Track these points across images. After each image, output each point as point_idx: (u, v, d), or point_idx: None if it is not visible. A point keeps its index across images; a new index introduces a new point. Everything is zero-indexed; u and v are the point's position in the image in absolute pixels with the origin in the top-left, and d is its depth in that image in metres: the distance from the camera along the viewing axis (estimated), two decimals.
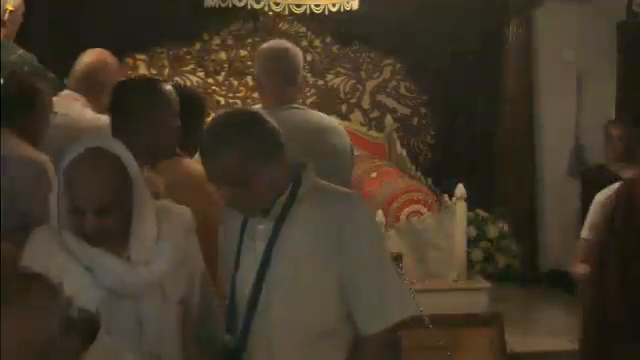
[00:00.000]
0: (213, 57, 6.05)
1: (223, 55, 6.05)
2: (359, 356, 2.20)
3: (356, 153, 5.70)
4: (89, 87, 3.86)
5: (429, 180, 5.34)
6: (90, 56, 4.03)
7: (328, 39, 6.19)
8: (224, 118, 2.21)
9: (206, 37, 6.05)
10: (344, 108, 6.17)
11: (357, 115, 6.20)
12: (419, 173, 5.55)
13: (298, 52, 3.38)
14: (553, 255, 6.15)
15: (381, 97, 6.25)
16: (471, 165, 5.98)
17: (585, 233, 4.03)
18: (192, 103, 3.10)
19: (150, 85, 2.88)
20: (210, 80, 5.99)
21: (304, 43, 6.15)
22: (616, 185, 3.82)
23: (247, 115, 2.22)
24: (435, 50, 6.09)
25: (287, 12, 5.65)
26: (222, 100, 6.01)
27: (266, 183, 2.15)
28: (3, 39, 3.97)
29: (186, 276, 2.36)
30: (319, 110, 4.04)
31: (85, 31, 5.65)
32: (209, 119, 3.20)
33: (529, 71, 6.21)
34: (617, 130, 5.43)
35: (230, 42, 6.06)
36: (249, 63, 5.85)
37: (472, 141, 6.21)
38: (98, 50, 4.08)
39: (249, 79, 5.91)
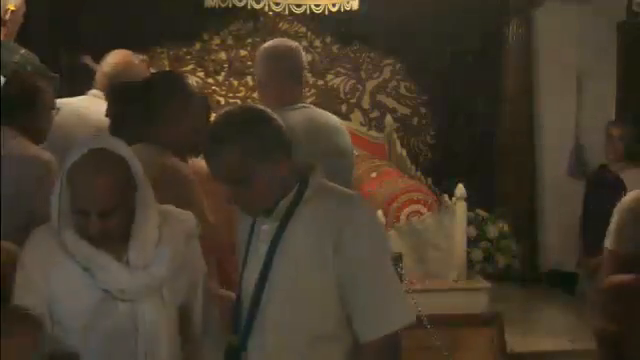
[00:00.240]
0: (213, 57, 6.05)
1: (223, 55, 6.05)
2: None
3: (356, 153, 5.72)
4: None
5: (429, 180, 5.34)
6: (115, 57, 4.08)
7: (328, 39, 6.20)
8: (226, 116, 2.19)
9: (206, 37, 6.05)
10: (344, 108, 6.17)
11: (357, 115, 6.20)
12: (419, 173, 5.56)
13: (301, 50, 3.38)
14: (553, 255, 6.15)
15: (381, 97, 6.26)
16: (471, 165, 5.98)
17: (611, 243, 3.78)
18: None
19: (181, 80, 2.94)
20: (210, 80, 6.00)
21: (304, 43, 6.15)
22: None
23: (249, 113, 2.19)
24: (435, 50, 6.09)
25: (287, 12, 5.64)
26: (222, 100, 6.01)
27: (267, 182, 2.13)
28: (3, 39, 3.97)
29: (186, 281, 2.36)
30: None
31: (85, 31, 5.66)
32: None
33: (529, 71, 6.21)
34: (617, 130, 5.43)
35: (230, 42, 6.06)
36: (249, 63, 5.86)
37: (472, 141, 6.21)
38: (123, 51, 4.13)
39: (249, 79, 5.92)
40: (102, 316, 2.21)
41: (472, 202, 4.70)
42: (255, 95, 5.39)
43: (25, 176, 2.98)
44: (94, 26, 5.64)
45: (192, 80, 5.93)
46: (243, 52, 6.05)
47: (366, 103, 6.24)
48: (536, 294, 5.73)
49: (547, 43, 6.21)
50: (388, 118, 6.11)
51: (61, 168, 2.25)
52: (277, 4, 5.45)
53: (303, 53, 3.40)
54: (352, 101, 6.21)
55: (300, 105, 3.26)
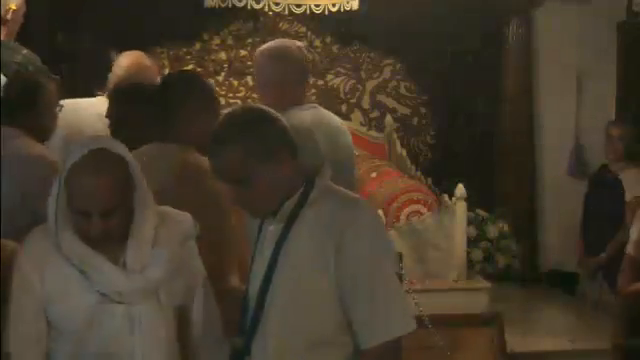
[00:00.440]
0: (213, 57, 6.05)
1: (223, 55, 6.05)
2: None
3: (356, 153, 5.73)
4: None
5: (429, 180, 5.34)
6: (128, 59, 4.10)
7: (328, 39, 6.19)
8: (228, 117, 2.18)
9: (206, 37, 6.05)
10: (344, 108, 6.17)
11: (357, 115, 6.20)
12: (419, 173, 5.55)
13: (304, 49, 3.38)
14: (553, 255, 6.15)
15: (381, 97, 6.26)
16: (471, 165, 5.98)
17: (632, 249, 3.83)
18: None
19: (199, 80, 2.97)
20: (210, 80, 5.98)
21: (304, 43, 6.13)
22: None
23: (252, 113, 2.17)
24: (435, 50, 6.09)
25: (287, 12, 5.64)
26: (222, 100, 6.00)
27: (270, 183, 2.12)
28: (5, 38, 3.97)
29: (183, 283, 2.34)
30: None
31: (85, 31, 5.67)
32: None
33: (529, 71, 6.21)
34: (617, 130, 5.44)
35: (230, 42, 6.06)
36: (249, 63, 5.85)
37: (472, 141, 6.21)
38: (135, 53, 4.16)
39: (249, 79, 5.92)
40: (98, 319, 2.20)
41: (472, 202, 4.70)
42: (255, 95, 5.39)
43: (30, 176, 2.98)
44: (94, 26, 5.64)
45: None
46: (243, 52, 6.05)
47: (366, 103, 6.24)
48: (536, 294, 5.73)
49: (547, 43, 6.21)
50: (388, 118, 6.11)
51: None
52: (277, 4, 5.45)
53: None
54: (352, 101, 6.21)
55: (308, 105, 3.27)
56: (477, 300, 4.42)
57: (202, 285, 2.41)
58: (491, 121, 6.24)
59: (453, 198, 4.54)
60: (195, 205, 2.45)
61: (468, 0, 5.96)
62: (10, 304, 2.22)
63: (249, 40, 6.06)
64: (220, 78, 6.04)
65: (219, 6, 5.41)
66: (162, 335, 2.28)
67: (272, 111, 2.19)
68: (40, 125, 3.23)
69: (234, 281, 2.68)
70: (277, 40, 3.50)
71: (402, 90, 6.28)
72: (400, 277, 3.81)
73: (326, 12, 5.51)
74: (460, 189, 4.51)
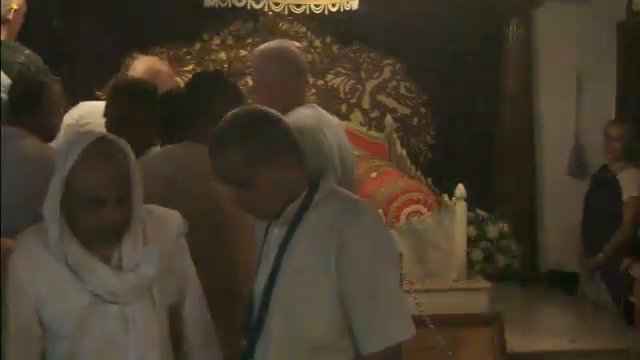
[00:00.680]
0: (213, 57, 6.04)
1: (223, 55, 6.05)
2: None
3: (356, 153, 5.74)
4: None
5: (429, 180, 5.34)
6: (143, 64, 4.19)
7: (328, 39, 6.20)
8: (231, 118, 2.15)
9: (206, 37, 6.05)
10: (344, 108, 6.17)
11: (357, 115, 6.20)
12: (419, 173, 5.55)
13: (302, 50, 3.39)
14: (553, 255, 6.15)
15: (381, 97, 6.25)
16: (471, 165, 5.98)
17: None
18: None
19: (226, 80, 3.01)
20: None
21: (304, 43, 6.14)
22: None
23: (254, 114, 2.15)
24: (435, 50, 6.09)
25: (287, 12, 5.64)
26: None
27: (273, 185, 2.10)
28: (6, 38, 3.97)
29: (175, 282, 2.35)
30: None
31: (85, 31, 5.67)
32: None
33: (529, 71, 6.21)
34: (615, 130, 5.44)
35: (230, 42, 6.06)
36: (249, 63, 5.85)
37: (472, 141, 6.21)
38: (151, 58, 4.29)
39: (249, 79, 5.91)
40: (92, 320, 2.19)
41: (472, 202, 4.70)
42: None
43: (36, 176, 2.97)
44: (94, 26, 5.64)
45: None
46: (243, 52, 6.05)
47: (366, 103, 6.23)
48: (536, 294, 5.73)
49: (547, 43, 6.22)
50: (388, 118, 6.11)
51: (60, 167, 2.22)
52: (277, 4, 5.45)
53: None
54: (352, 101, 6.21)
55: (308, 105, 3.27)
56: (477, 300, 4.42)
57: (192, 282, 2.41)
58: (491, 121, 6.24)
59: (453, 198, 4.54)
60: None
61: (468, 0, 5.96)
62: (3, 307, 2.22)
63: (249, 40, 6.06)
64: None
65: (219, 6, 5.41)
66: (156, 334, 2.28)
67: (275, 112, 2.17)
68: (45, 125, 3.23)
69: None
70: (275, 41, 3.50)
71: (402, 90, 6.28)
72: (400, 277, 3.83)
73: (326, 12, 5.51)
74: (460, 189, 4.51)
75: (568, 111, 6.20)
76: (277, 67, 3.24)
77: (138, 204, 2.23)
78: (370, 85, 6.23)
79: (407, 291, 3.86)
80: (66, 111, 3.68)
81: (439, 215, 4.61)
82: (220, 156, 2.11)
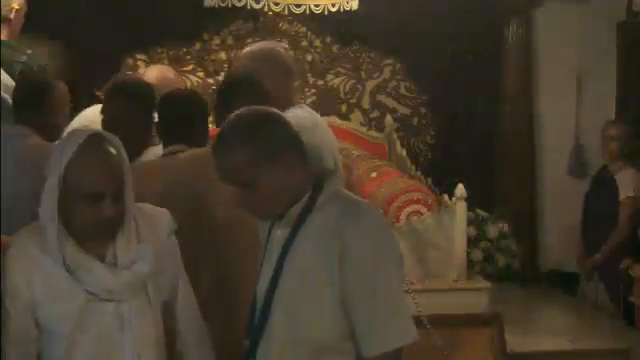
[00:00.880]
0: (213, 57, 6.04)
1: (223, 55, 6.05)
2: None
3: (356, 153, 5.76)
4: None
5: (429, 180, 5.34)
6: (154, 72, 4.28)
7: (328, 39, 6.19)
8: (234, 118, 2.15)
9: (206, 37, 6.05)
10: (344, 108, 6.17)
11: (357, 115, 6.20)
12: (419, 173, 5.55)
13: (288, 51, 3.42)
14: (553, 255, 6.15)
15: (381, 97, 6.25)
16: (471, 165, 5.97)
17: None
18: (197, 104, 3.11)
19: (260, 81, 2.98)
20: (210, 80, 5.99)
21: (304, 43, 6.16)
22: None
23: (258, 115, 2.14)
24: (435, 50, 6.08)
25: (287, 12, 5.64)
26: None
27: (276, 186, 2.09)
28: (7, 38, 3.97)
29: (168, 278, 2.36)
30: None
31: (85, 31, 5.66)
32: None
33: (529, 71, 6.21)
34: (612, 130, 5.44)
35: (230, 42, 6.06)
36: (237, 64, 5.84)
37: (472, 141, 6.21)
38: (162, 67, 4.42)
39: None
40: (88, 318, 2.20)
41: (472, 202, 4.70)
42: None
43: (39, 175, 2.97)
44: (94, 26, 5.64)
45: (192, 80, 5.94)
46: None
47: (366, 103, 6.23)
48: (536, 294, 5.73)
49: (547, 43, 6.22)
50: (388, 118, 6.11)
51: (54, 166, 2.22)
52: (277, 4, 5.45)
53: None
54: (352, 101, 6.21)
55: (298, 105, 3.28)
56: (477, 300, 4.42)
57: (182, 278, 2.42)
58: (491, 121, 6.24)
59: (453, 198, 4.54)
60: None
61: (468, 0, 5.96)
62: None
63: (249, 40, 6.02)
64: (220, 78, 6.03)
65: (219, 6, 5.41)
66: (152, 331, 2.29)
67: (279, 113, 2.16)
68: (49, 125, 3.23)
69: None
70: (261, 42, 3.53)
71: (402, 90, 6.28)
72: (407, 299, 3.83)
73: (326, 12, 5.51)
74: (460, 189, 4.51)
75: (568, 111, 6.20)
76: (263, 68, 3.25)
77: (130, 201, 2.24)
78: (370, 85, 6.23)
79: (407, 291, 3.86)
80: (72, 114, 3.69)
81: (439, 215, 4.60)
82: (224, 156, 2.10)
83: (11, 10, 3.98)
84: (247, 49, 3.43)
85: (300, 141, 2.15)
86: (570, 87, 6.16)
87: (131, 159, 2.35)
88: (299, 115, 3.11)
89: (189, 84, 5.88)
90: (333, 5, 5.48)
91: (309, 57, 6.16)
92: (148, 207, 2.38)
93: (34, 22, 4.50)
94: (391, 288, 2.10)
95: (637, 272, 4.83)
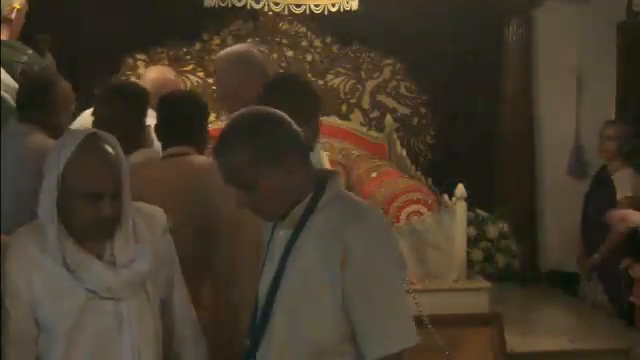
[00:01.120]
0: (213, 57, 6.02)
1: None
2: None
3: (356, 153, 5.77)
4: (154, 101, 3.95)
5: (429, 180, 5.34)
6: (153, 73, 4.38)
7: (328, 39, 6.19)
8: (236, 119, 2.14)
9: (206, 37, 6.05)
10: (344, 108, 6.17)
11: (357, 115, 6.20)
12: (419, 173, 5.55)
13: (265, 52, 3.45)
14: (553, 255, 6.15)
15: (381, 97, 6.25)
16: (471, 165, 5.98)
17: None
18: (196, 105, 3.11)
19: (307, 81, 3.03)
20: (210, 80, 5.99)
21: (304, 43, 6.16)
22: None
23: (260, 116, 2.14)
24: (435, 50, 6.08)
25: (287, 12, 5.64)
26: None
27: (278, 187, 2.08)
28: (9, 38, 3.96)
29: (165, 276, 2.37)
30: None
31: (85, 31, 5.66)
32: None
33: (529, 71, 6.21)
34: (611, 130, 5.44)
35: (230, 42, 6.04)
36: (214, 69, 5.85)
37: (472, 141, 6.21)
38: (162, 67, 4.45)
39: None
40: (88, 317, 2.21)
41: (472, 202, 4.70)
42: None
43: (40, 172, 2.98)
44: (94, 26, 5.64)
45: (192, 80, 5.95)
46: None
47: (366, 103, 6.23)
48: (536, 294, 5.73)
49: (547, 43, 6.22)
50: (388, 118, 6.11)
51: (53, 165, 2.22)
52: (277, 4, 5.45)
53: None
54: (352, 101, 6.21)
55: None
56: (477, 300, 4.42)
57: (177, 276, 2.43)
58: (491, 121, 6.24)
59: (453, 198, 4.54)
60: None
61: (468, 0, 5.96)
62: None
63: (249, 40, 6.05)
64: None
65: (219, 6, 5.41)
66: (151, 328, 2.30)
67: (281, 114, 2.16)
68: (52, 124, 3.23)
69: None
70: (237, 45, 3.55)
71: (402, 90, 6.28)
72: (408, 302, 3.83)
73: (326, 12, 5.51)
74: (460, 189, 4.51)
75: (568, 111, 6.19)
76: (240, 70, 3.28)
77: (128, 200, 2.24)
78: (370, 85, 6.23)
79: (407, 291, 3.86)
80: (74, 114, 3.70)
81: (439, 215, 4.60)
82: (225, 158, 2.09)
83: (12, 10, 3.97)
84: (223, 52, 3.47)
85: (301, 142, 2.14)
86: (570, 87, 6.16)
87: None
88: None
89: (189, 84, 5.88)
90: (333, 5, 5.47)
91: (309, 57, 6.16)
92: (145, 206, 2.39)
93: (34, 22, 4.50)
94: (391, 289, 2.10)
95: (637, 272, 4.83)
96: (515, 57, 6.17)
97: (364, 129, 6.12)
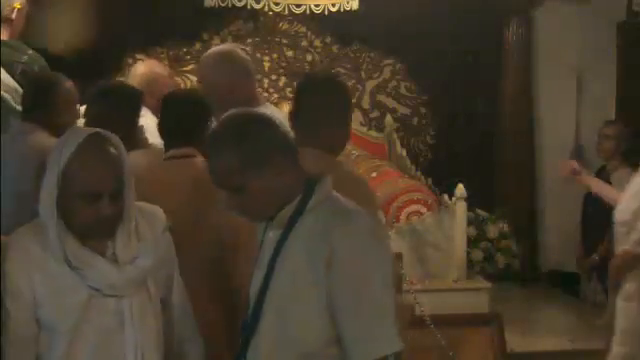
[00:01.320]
0: None
1: None
2: None
3: (356, 153, 5.77)
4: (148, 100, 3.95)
5: (429, 180, 5.34)
6: (142, 67, 4.29)
7: (328, 39, 6.20)
8: (224, 121, 2.14)
9: (206, 37, 6.05)
10: None
11: (357, 115, 6.20)
12: (419, 173, 5.56)
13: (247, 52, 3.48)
14: (553, 255, 6.15)
15: (381, 97, 6.26)
16: (471, 165, 5.98)
17: None
18: (201, 105, 3.11)
19: (340, 81, 2.97)
20: None
21: (304, 43, 6.16)
22: None
23: (247, 118, 2.13)
24: (435, 50, 6.09)
25: (287, 12, 5.64)
26: None
27: (266, 189, 2.08)
28: (9, 37, 3.96)
29: (165, 274, 2.37)
30: None
31: (85, 31, 5.67)
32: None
33: (529, 71, 6.22)
34: (609, 129, 5.44)
35: (230, 42, 6.06)
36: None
37: (472, 141, 6.22)
38: (151, 61, 4.37)
39: None
40: (91, 314, 2.20)
41: (472, 202, 4.71)
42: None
43: (42, 171, 2.98)
44: (94, 26, 5.64)
45: (192, 80, 5.95)
46: None
47: (366, 103, 6.24)
48: (536, 294, 5.74)
49: (547, 43, 6.22)
50: (388, 118, 6.12)
51: (54, 163, 2.22)
52: (277, 4, 5.44)
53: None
54: (352, 101, 6.20)
55: (264, 105, 3.33)
56: (477, 300, 4.43)
57: (176, 275, 2.44)
58: (491, 121, 6.24)
59: (453, 198, 4.55)
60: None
61: (468, 0, 5.96)
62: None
63: (249, 40, 6.06)
64: None
65: (219, 6, 5.41)
66: (153, 325, 2.30)
67: (270, 116, 2.16)
68: (56, 123, 3.23)
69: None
70: (220, 45, 3.56)
71: (402, 90, 6.29)
72: (400, 277, 3.83)
73: (326, 12, 5.51)
74: (460, 189, 4.52)
75: (568, 111, 6.20)
76: (223, 69, 3.30)
77: (130, 200, 2.24)
78: (370, 85, 6.23)
79: (407, 291, 3.87)
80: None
81: (439, 215, 4.61)
82: (214, 161, 2.09)
83: (13, 10, 3.96)
84: (208, 51, 3.49)
85: (291, 143, 2.14)
86: (570, 87, 6.16)
87: None
88: (271, 114, 3.13)
89: (189, 84, 5.88)
90: (333, 5, 5.47)
91: (309, 57, 6.16)
92: (146, 205, 2.38)
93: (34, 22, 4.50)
94: (376, 293, 2.07)
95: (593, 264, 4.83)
96: (515, 57, 6.17)
97: (364, 129, 6.12)
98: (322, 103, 2.65)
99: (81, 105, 3.40)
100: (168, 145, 3.00)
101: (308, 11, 5.53)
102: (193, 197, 2.81)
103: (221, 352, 2.62)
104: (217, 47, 3.51)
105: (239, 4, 5.41)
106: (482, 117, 6.26)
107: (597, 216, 5.39)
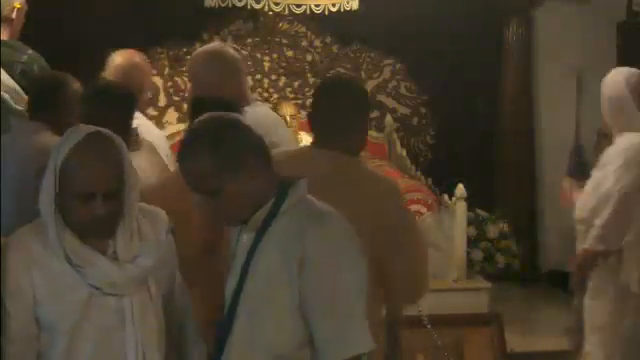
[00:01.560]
0: None
1: None
2: None
3: None
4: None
5: (429, 180, 5.34)
6: (120, 57, 4.13)
7: (328, 39, 6.20)
8: (197, 126, 2.15)
9: (206, 37, 6.05)
10: None
11: None
12: (419, 173, 5.56)
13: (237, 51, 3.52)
14: (553, 255, 6.15)
15: (381, 97, 6.26)
16: (471, 165, 5.98)
17: None
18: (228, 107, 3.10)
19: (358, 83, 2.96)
20: None
21: (304, 43, 6.16)
22: None
23: (220, 122, 2.14)
24: (435, 50, 6.09)
25: (287, 12, 5.65)
26: None
27: (238, 193, 2.09)
28: (9, 37, 3.96)
29: (167, 273, 2.38)
30: None
31: (85, 31, 5.66)
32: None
33: (529, 71, 6.22)
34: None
35: (230, 42, 6.06)
36: (249, 63, 5.86)
37: (472, 141, 6.21)
38: (128, 51, 4.19)
39: (249, 79, 5.91)
40: (91, 313, 2.20)
41: (472, 202, 4.71)
42: (255, 95, 5.38)
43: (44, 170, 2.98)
44: (94, 26, 5.64)
45: None
46: (243, 52, 6.05)
47: None
48: (536, 294, 5.73)
49: (547, 43, 6.22)
50: (388, 118, 6.12)
51: (52, 161, 2.22)
52: (277, 4, 5.45)
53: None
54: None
55: (254, 103, 3.34)
56: (477, 300, 4.43)
57: (178, 275, 2.44)
58: (491, 121, 6.24)
59: (453, 198, 4.55)
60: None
61: (468, 0, 5.96)
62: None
63: (249, 40, 6.07)
64: None
65: (219, 6, 5.42)
66: (154, 325, 2.30)
67: (241, 119, 2.18)
68: (62, 123, 3.23)
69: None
70: (210, 44, 3.55)
71: (402, 90, 6.29)
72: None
73: (326, 12, 5.52)
74: (460, 189, 4.52)
75: (568, 111, 6.19)
76: (213, 68, 3.31)
77: (131, 198, 2.24)
78: (370, 85, 6.23)
79: None
80: None
81: (439, 215, 4.61)
82: (188, 165, 2.11)
83: (13, 9, 3.96)
84: (196, 51, 3.49)
85: (264, 146, 2.15)
86: (570, 87, 6.16)
87: None
88: (262, 114, 3.13)
89: (189, 85, 5.87)
90: (333, 5, 5.48)
91: (309, 57, 6.16)
92: (147, 206, 2.39)
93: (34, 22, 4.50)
94: (347, 294, 2.08)
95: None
96: (515, 57, 6.17)
97: None
98: (341, 105, 2.65)
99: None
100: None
101: (308, 11, 5.54)
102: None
103: None
104: (207, 46, 3.53)
105: (239, 4, 5.42)
106: (482, 117, 6.26)
107: None
